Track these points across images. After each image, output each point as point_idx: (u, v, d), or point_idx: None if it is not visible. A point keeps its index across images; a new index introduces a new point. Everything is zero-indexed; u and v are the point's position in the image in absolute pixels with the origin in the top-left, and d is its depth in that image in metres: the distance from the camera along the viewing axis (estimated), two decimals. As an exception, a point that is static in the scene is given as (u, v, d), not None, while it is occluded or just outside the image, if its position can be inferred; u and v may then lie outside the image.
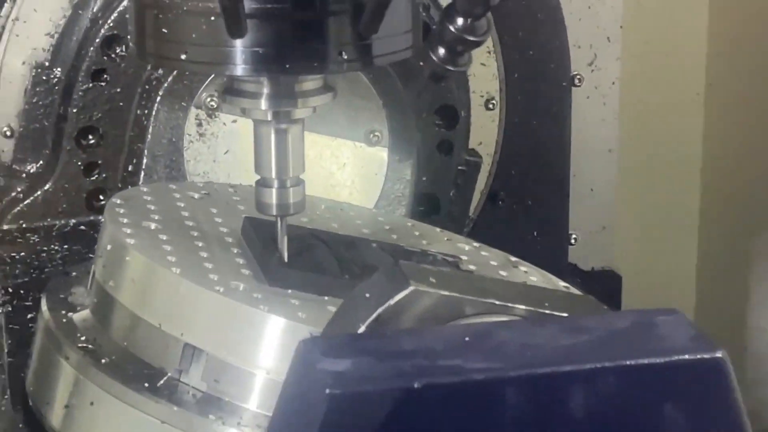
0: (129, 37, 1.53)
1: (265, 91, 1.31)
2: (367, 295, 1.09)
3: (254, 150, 1.35)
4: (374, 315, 1.06)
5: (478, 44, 1.37)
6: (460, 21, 1.36)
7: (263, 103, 1.31)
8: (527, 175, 2.02)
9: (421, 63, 1.40)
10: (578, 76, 2.05)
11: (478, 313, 1.08)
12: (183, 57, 1.26)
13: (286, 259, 1.34)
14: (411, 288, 1.06)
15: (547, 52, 1.98)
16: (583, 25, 2.04)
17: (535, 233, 2.03)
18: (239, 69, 1.25)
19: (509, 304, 1.09)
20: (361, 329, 1.06)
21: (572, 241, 2.10)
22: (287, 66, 1.24)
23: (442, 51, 1.38)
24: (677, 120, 2.54)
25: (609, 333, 1.03)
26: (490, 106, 1.96)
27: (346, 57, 1.25)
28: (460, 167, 1.88)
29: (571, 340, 1.02)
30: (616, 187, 2.14)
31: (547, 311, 1.09)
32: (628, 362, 1.00)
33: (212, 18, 1.23)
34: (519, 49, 1.96)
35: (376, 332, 1.06)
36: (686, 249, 2.60)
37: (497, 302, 1.09)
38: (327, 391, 0.96)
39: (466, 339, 1.03)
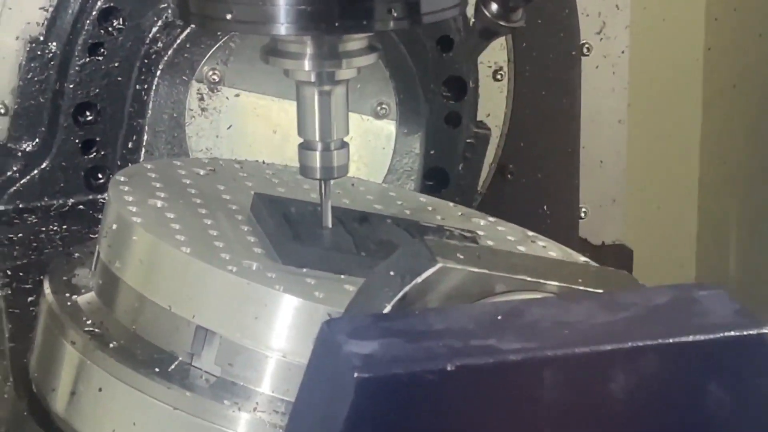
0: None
1: (309, 51, 1.28)
2: (392, 272, 1.04)
3: (297, 112, 1.32)
4: (400, 293, 1.01)
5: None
6: None
7: (307, 64, 1.28)
8: (536, 148, 1.98)
9: (473, 19, 1.35)
10: (587, 45, 2.01)
11: (509, 291, 1.03)
12: (228, 17, 1.24)
13: (329, 224, 1.32)
14: (439, 265, 1.01)
15: (556, 20, 1.94)
16: (592, -8, 2.00)
17: (544, 207, 1.99)
18: (286, 28, 1.23)
19: (541, 281, 1.04)
20: (387, 309, 1.01)
21: (582, 214, 2.06)
22: (335, 24, 1.22)
23: (494, 6, 1.35)
24: (680, 89, 2.51)
25: (648, 309, 0.99)
26: (498, 76, 1.92)
27: (395, 15, 1.23)
28: (468, 140, 1.84)
29: (609, 318, 0.98)
30: (626, 160, 2.10)
31: (581, 287, 1.04)
32: (670, 340, 0.95)
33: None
34: (527, 17, 1.91)
35: (403, 312, 1.01)
36: (686, 215, 2.57)
37: (529, 278, 1.04)
38: (355, 374, 0.91)
39: (499, 317, 0.98)
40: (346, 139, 1.34)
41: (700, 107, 2.57)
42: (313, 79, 1.29)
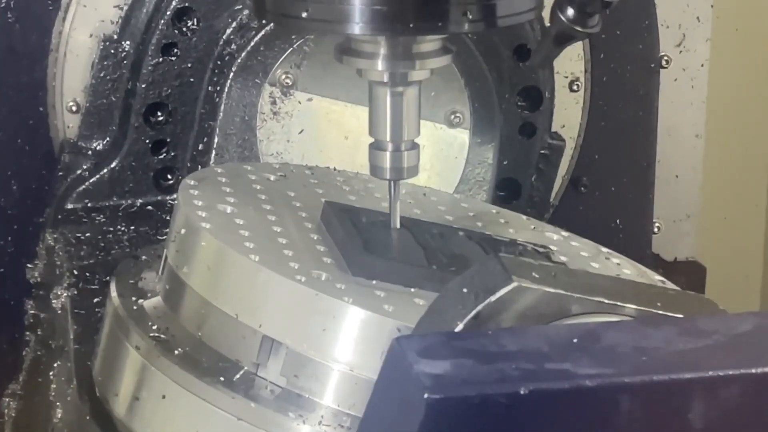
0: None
1: (383, 51, 1.28)
2: (465, 290, 1.01)
3: (369, 112, 1.33)
4: (474, 312, 0.98)
5: (608, 4, 1.32)
6: None
7: (380, 64, 1.29)
8: (611, 160, 1.95)
9: (548, 24, 1.34)
10: (666, 58, 1.97)
11: (585, 312, 1.00)
12: (304, 15, 1.24)
13: (398, 225, 1.32)
14: (514, 284, 0.99)
15: (635, 31, 1.91)
16: (672, 4, 1.97)
17: (617, 221, 1.96)
18: (360, 27, 1.23)
19: (619, 303, 1.01)
20: (459, 327, 0.98)
21: (655, 229, 2.03)
22: (410, 25, 1.22)
23: (571, 11, 1.33)
24: (758, 103, 2.46)
25: (731, 337, 0.95)
26: (575, 87, 1.89)
27: (470, 17, 1.23)
28: (542, 151, 1.82)
29: (690, 344, 0.94)
30: (702, 175, 2.06)
31: (660, 311, 1.01)
32: (753, 370, 0.91)
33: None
34: (605, 28, 1.86)
35: (475, 331, 0.98)
36: (756, 226, 2.52)
37: (606, 301, 1.01)
38: (425, 395, 0.88)
39: (574, 340, 0.95)
40: (418, 144, 1.33)
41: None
42: (385, 79, 1.30)
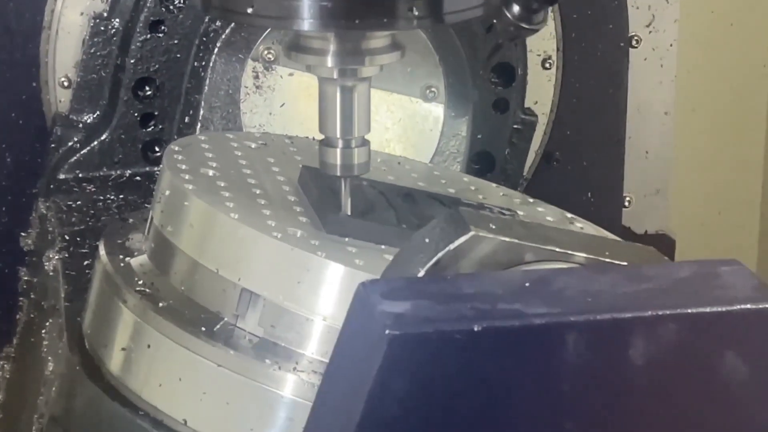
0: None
1: (332, 47, 1.28)
2: (427, 240, 1.08)
3: (319, 108, 1.32)
4: (434, 259, 1.06)
5: (553, 1, 1.35)
6: None
7: (329, 61, 1.28)
8: (582, 136, 2.01)
9: (495, 21, 1.37)
10: (636, 38, 2.03)
11: (538, 260, 1.08)
12: (249, 11, 1.24)
13: (349, 213, 1.33)
14: (471, 233, 1.06)
15: (606, 11, 1.97)
16: (642, -15, 2.03)
17: (589, 194, 2.02)
18: (306, 24, 1.22)
19: (570, 252, 1.08)
20: (421, 273, 1.06)
21: (626, 203, 2.09)
22: (356, 21, 1.22)
23: (516, 8, 1.35)
24: (738, 85, 2.52)
25: (670, 282, 1.03)
26: (547, 65, 1.95)
27: (416, 13, 1.23)
28: (515, 126, 1.87)
29: (632, 288, 1.02)
30: (671, 150, 2.13)
31: (607, 260, 1.08)
32: (689, 310, 0.99)
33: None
34: (577, 7, 1.94)
35: (435, 276, 1.05)
36: (745, 215, 2.58)
37: (557, 249, 1.08)
38: (387, 332, 0.95)
39: (526, 284, 1.02)
40: (368, 140, 1.33)
41: (764, 104, 2.58)
42: (335, 75, 1.29)
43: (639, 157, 2.09)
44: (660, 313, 0.99)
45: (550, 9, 1.89)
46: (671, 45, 2.07)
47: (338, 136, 1.31)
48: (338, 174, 1.32)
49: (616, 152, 2.03)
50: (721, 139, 2.58)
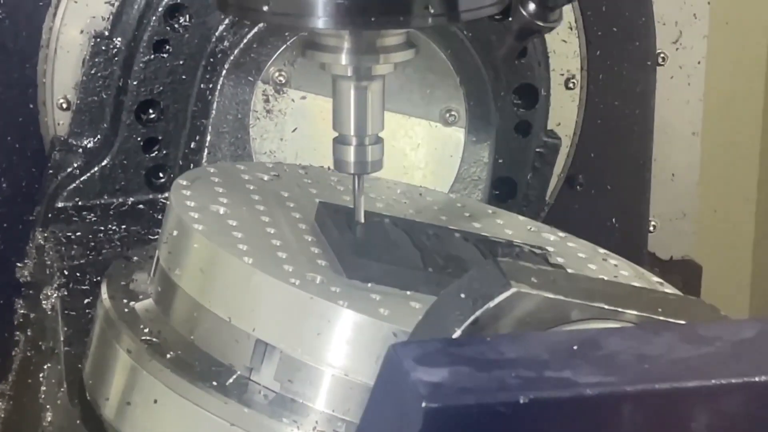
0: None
1: (346, 45, 1.28)
2: (462, 295, 0.99)
3: (333, 106, 1.32)
4: (472, 318, 0.97)
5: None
6: None
7: (344, 58, 1.28)
8: (607, 159, 1.94)
9: (510, 18, 1.37)
10: (662, 55, 1.96)
11: (585, 318, 0.99)
12: (265, 8, 1.24)
13: (362, 219, 1.31)
14: (513, 290, 0.97)
15: (631, 28, 1.90)
16: (669, 1, 1.97)
17: (613, 219, 1.96)
18: (322, 22, 1.22)
19: (619, 309, 0.99)
20: (457, 333, 0.97)
21: (651, 228, 2.02)
22: (372, 19, 1.22)
23: (532, 6, 1.35)
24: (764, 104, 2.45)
25: (734, 344, 0.94)
26: (571, 85, 1.88)
27: (432, 11, 1.23)
28: (538, 149, 1.81)
29: (692, 352, 0.93)
30: (698, 173, 2.05)
31: (661, 317, 0.99)
32: (756, 379, 0.90)
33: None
34: (602, 25, 1.88)
35: (473, 337, 0.96)
36: (744, 216, 2.51)
37: (606, 306, 0.99)
38: (423, 404, 0.87)
39: (574, 347, 0.93)
40: (382, 138, 1.33)
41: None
42: (349, 73, 1.29)
43: (665, 180, 2.03)
44: (725, 381, 0.90)
45: (573, 25, 1.85)
46: (699, 62, 2.00)
47: (352, 133, 1.31)
48: (352, 171, 1.32)
49: (641, 175, 1.97)
50: (742, 158, 2.51)
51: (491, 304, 0.97)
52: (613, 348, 0.93)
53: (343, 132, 1.31)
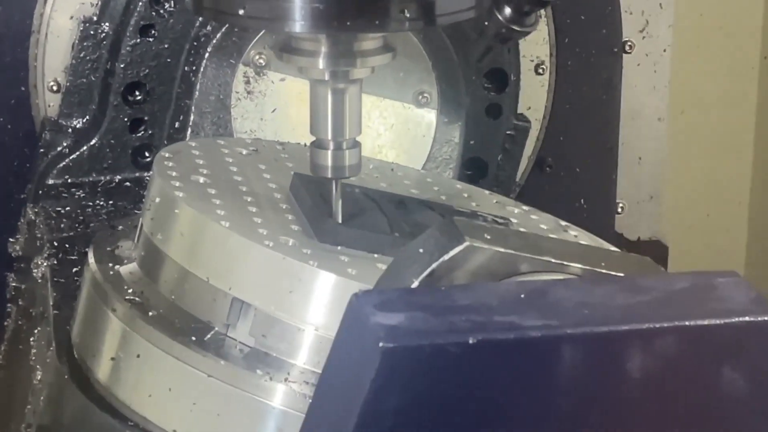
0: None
1: (323, 49, 1.27)
2: (421, 250, 1.07)
3: (310, 110, 1.32)
4: (428, 270, 1.04)
5: (545, 4, 1.34)
6: None
7: (321, 62, 1.28)
8: (575, 142, 1.99)
9: (486, 23, 1.36)
10: (629, 43, 2.02)
11: (534, 271, 1.06)
12: (241, 12, 1.23)
13: (340, 221, 1.32)
14: (466, 243, 1.05)
15: (599, 17, 1.96)
16: (636, -9, 2.02)
17: (582, 201, 2.01)
18: (298, 26, 1.22)
19: (565, 263, 1.07)
20: (415, 284, 1.04)
21: (619, 209, 2.08)
22: (347, 23, 1.22)
23: (508, 10, 1.35)
24: (729, 90, 2.51)
25: (667, 293, 1.01)
26: (540, 70, 1.94)
27: (408, 15, 1.22)
28: (508, 132, 1.86)
29: (629, 300, 1.00)
30: (665, 157, 2.12)
31: (603, 270, 1.07)
32: (687, 323, 0.98)
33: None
34: (570, 13, 1.93)
35: (430, 287, 1.04)
36: (736, 220, 2.57)
37: (553, 260, 1.07)
38: (380, 344, 0.94)
39: (522, 296, 1.01)
40: (359, 142, 1.33)
41: (754, 106, 2.58)
42: (326, 77, 1.29)
43: (632, 164, 2.08)
44: (657, 325, 0.97)
45: (542, 13, 1.91)
46: (665, 50, 2.06)
47: (330, 137, 1.31)
48: (329, 176, 1.31)
49: (609, 158, 2.02)
50: (710, 140, 2.57)
51: (446, 257, 1.05)
52: (557, 296, 1.01)
53: (320, 136, 1.31)
